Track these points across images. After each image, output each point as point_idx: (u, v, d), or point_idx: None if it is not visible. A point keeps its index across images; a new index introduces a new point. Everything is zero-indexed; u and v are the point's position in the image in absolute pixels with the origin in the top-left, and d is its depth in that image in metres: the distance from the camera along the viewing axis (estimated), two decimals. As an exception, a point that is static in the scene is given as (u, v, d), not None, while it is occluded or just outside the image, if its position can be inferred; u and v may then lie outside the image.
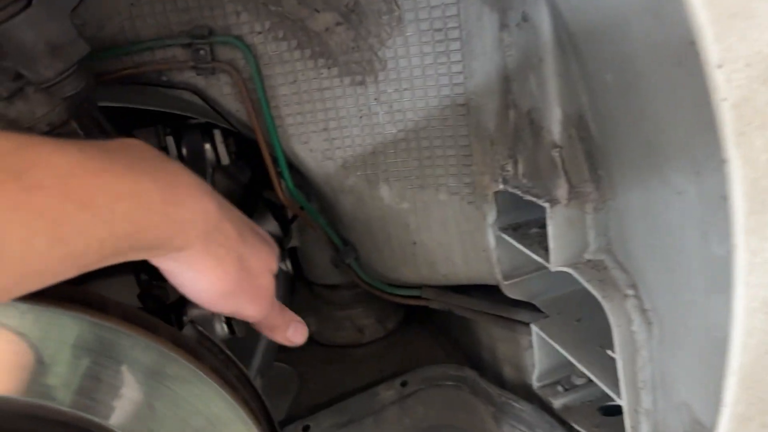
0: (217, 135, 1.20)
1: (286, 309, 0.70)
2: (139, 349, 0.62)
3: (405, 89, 0.91)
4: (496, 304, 1.03)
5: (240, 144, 1.25)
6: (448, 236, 0.99)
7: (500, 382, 1.12)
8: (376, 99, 0.92)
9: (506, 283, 0.98)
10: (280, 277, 1.40)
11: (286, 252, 1.42)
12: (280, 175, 1.02)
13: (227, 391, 0.66)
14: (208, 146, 1.21)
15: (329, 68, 0.92)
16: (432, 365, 1.14)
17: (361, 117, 0.94)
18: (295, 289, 1.43)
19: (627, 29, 0.57)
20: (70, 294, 0.61)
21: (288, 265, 1.43)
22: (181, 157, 1.21)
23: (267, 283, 0.64)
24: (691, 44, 0.48)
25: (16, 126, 0.77)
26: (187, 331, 0.70)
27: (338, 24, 0.88)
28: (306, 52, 0.91)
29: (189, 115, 1.08)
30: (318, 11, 0.87)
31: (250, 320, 0.66)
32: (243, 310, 0.63)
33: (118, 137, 0.61)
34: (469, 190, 0.93)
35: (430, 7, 0.85)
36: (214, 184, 1.18)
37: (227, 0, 0.87)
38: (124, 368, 0.61)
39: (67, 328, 0.59)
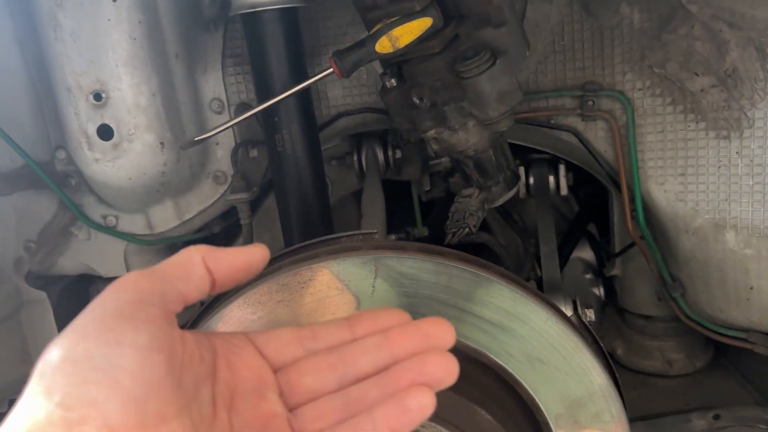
0: (561, 169, 1.41)
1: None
2: (548, 322, 0.82)
3: (769, 147, 1.01)
4: (832, 358, 1.06)
5: (574, 180, 1.44)
6: (790, 286, 1.06)
7: (822, 437, 1.13)
8: (737, 152, 1.04)
9: None
10: (594, 302, 1.56)
11: (600, 279, 1.58)
12: (631, 209, 1.17)
13: (605, 370, 0.84)
14: (551, 178, 1.43)
15: (697, 122, 1.06)
16: (746, 405, 1.20)
17: (719, 167, 1.06)
18: (604, 314, 1.58)
19: None
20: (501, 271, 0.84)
21: (601, 292, 1.59)
22: (527, 185, 1.44)
23: None
24: None
25: (451, 149, 1.05)
26: (573, 319, 0.89)
27: (713, 86, 1.02)
28: (678, 107, 1.06)
29: (553, 153, 1.29)
30: (697, 75, 1.02)
31: None
32: None
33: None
34: (822, 244, 1.00)
35: (809, 76, 0.95)
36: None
37: (617, 62, 1.07)
38: (526, 328, 0.82)
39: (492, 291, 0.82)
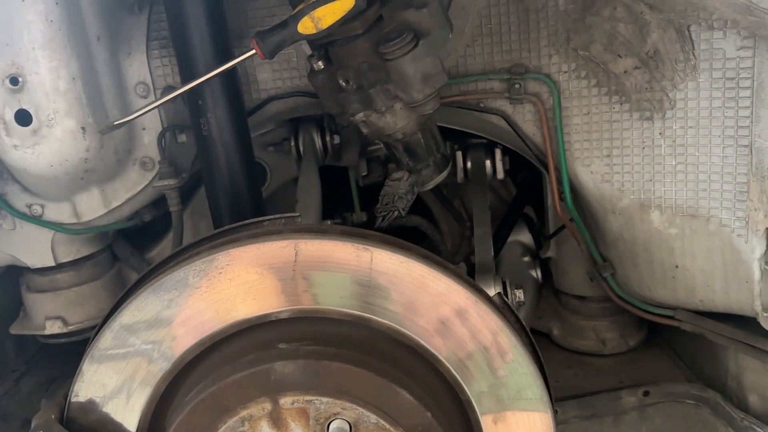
0: (498, 153, 1.42)
1: None
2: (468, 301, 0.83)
3: (690, 127, 1.03)
4: (752, 335, 1.09)
5: (512, 164, 1.46)
6: (712, 265, 1.09)
7: (743, 408, 1.17)
8: (660, 133, 1.06)
9: (766, 315, 1.05)
10: (530, 283, 1.58)
11: (538, 261, 1.60)
12: (560, 191, 1.18)
13: (526, 348, 0.84)
14: (488, 162, 1.44)
15: (621, 104, 1.07)
16: (675, 382, 1.23)
17: (643, 148, 1.08)
18: (541, 295, 1.60)
19: None
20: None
21: (538, 273, 1.61)
22: (465, 169, 1.45)
23: None
24: None
25: (380, 132, 1.04)
26: (496, 298, 0.90)
27: (636, 68, 1.04)
28: (603, 89, 1.07)
29: (485, 136, 1.30)
30: (620, 56, 1.04)
31: None
32: None
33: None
34: (740, 224, 1.03)
35: (726, 58, 0.97)
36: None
37: (543, 44, 1.08)
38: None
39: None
